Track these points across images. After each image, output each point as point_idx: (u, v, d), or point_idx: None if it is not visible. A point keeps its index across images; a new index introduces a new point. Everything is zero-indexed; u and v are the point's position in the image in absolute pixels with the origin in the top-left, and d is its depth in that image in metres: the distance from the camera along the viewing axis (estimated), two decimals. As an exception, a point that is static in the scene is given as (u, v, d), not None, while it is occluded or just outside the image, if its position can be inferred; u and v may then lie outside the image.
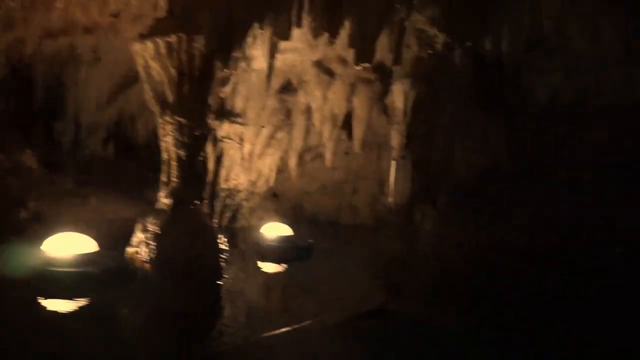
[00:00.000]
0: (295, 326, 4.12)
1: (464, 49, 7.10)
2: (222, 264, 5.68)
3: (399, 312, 5.17)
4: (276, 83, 8.06)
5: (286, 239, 7.25)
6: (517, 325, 4.90)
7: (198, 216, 5.75)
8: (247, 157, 7.73)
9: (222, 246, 6.05)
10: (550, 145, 9.52)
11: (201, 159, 5.97)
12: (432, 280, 6.83)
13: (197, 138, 5.72)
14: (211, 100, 5.95)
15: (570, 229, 8.85)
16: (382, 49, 6.70)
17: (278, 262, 7.07)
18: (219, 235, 6.19)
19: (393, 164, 7.72)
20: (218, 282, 5.41)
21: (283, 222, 7.92)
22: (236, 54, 5.92)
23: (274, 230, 7.33)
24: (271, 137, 8.60)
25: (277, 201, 11.04)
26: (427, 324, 4.81)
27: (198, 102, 5.70)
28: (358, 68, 7.12)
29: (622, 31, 7.24)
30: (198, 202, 5.82)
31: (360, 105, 8.32)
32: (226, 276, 5.71)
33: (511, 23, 7.15)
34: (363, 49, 6.36)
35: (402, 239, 7.61)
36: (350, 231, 10.76)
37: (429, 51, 6.92)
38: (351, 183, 11.29)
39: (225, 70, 5.86)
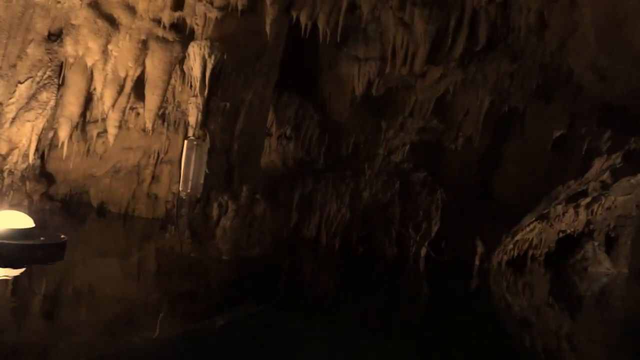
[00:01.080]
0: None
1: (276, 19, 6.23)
2: None
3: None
4: (42, 25, 6.07)
5: (20, 233, 5.19)
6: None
7: None
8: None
9: None
10: (363, 141, 9.38)
11: None
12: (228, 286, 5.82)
13: None
14: None
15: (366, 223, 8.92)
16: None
17: (7, 264, 5.06)
18: None
19: (186, 144, 6.40)
20: None
21: (21, 210, 5.81)
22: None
23: (6, 221, 5.22)
24: (33, 97, 6.52)
25: (46, 184, 8.74)
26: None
27: None
28: (149, 20, 5.62)
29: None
30: None
31: (154, 69, 6.82)
32: None
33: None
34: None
35: (194, 237, 6.38)
36: (148, 226, 9.11)
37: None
38: (151, 168, 9.63)
39: None
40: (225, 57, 6.40)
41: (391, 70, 7.44)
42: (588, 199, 11.12)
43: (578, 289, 10.44)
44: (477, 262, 10.07)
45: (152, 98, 7.03)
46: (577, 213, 11.61)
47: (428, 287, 8.68)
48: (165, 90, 7.39)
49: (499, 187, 9.75)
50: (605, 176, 9.59)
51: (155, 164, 9.68)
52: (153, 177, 9.72)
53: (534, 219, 10.24)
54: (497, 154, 9.66)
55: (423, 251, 10.05)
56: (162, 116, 9.21)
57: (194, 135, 6.55)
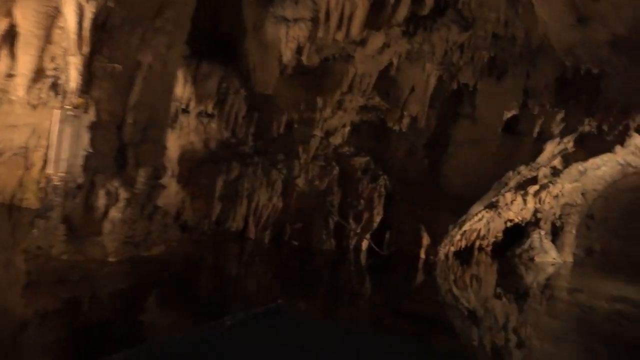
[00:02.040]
0: None
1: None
2: None
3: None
4: None
5: None
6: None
7: None
8: None
9: None
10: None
11: None
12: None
13: None
14: None
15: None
16: None
17: None
18: None
19: (57, 116, 4.95)
20: None
21: None
22: None
23: None
24: None
25: None
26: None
27: None
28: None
29: None
30: None
31: (24, 21, 5.27)
32: None
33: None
34: None
35: (71, 234, 4.96)
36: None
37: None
38: (43, 150, 7.97)
39: None
40: (110, 4, 4.98)
41: (324, 34, 6.30)
42: (537, 187, 10.56)
43: (524, 280, 9.93)
44: (422, 255, 9.23)
45: (25, 59, 5.51)
46: (525, 201, 11.06)
47: (370, 283, 7.68)
48: (42, 50, 5.81)
49: (447, 172, 8.91)
50: (557, 162, 8.96)
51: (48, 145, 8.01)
52: (45, 162, 8.06)
53: (482, 207, 9.51)
54: (446, 136, 8.80)
55: (365, 244, 9.06)
56: (53, 86, 7.60)
57: (71, 103, 5.09)
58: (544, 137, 8.10)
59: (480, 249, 12.24)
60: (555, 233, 12.69)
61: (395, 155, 9.01)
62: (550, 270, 11.35)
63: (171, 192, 8.23)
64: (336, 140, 8.75)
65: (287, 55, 6.36)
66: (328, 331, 2.73)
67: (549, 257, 12.07)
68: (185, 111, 7.93)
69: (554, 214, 12.51)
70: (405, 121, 8.19)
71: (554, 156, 8.51)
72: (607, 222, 16.54)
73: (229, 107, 8.03)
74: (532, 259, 11.91)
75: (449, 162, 8.89)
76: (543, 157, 8.27)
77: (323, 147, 8.73)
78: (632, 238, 17.04)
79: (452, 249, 10.50)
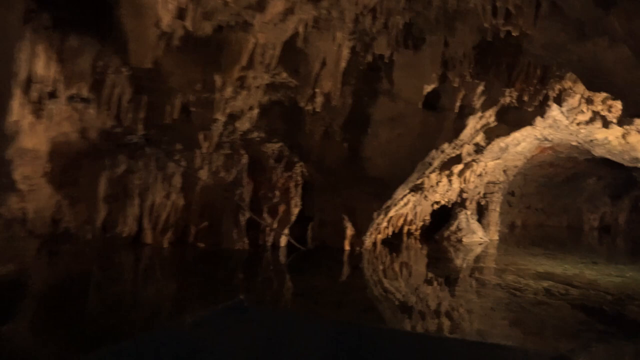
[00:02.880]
0: None
1: None
2: None
3: None
4: None
5: None
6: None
7: None
8: None
9: None
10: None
11: None
12: None
13: None
14: None
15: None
16: None
17: None
18: None
19: None
20: None
21: None
22: None
23: None
24: None
25: None
26: None
27: None
28: None
29: None
30: None
31: None
32: None
33: None
34: None
35: None
36: None
37: None
38: None
39: None
40: None
41: (212, -7, 5.22)
42: (461, 166, 10.19)
43: (454, 263, 9.56)
44: (347, 247, 8.47)
45: None
46: (450, 182, 10.69)
47: (291, 283, 6.77)
48: None
49: (368, 155, 8.18)
50: (480, 138, 8.54)
51: None
52: None
53: (407, 191, 8.93)
54: (364, 115, 8.06)
55: (283, 240, 8.14)
56: None
57: None
58: (466, 111, 7.58)
59: (409, 233, 11.82)
60: (481, 212, 12.56)
61: (311, 139, 8.13)
62: (478, 250, 11.15)
63: (42, 196, 6.77)
64: (243, 125, 7.68)
65: (166, 20, 5.17)
66: (297, 324, 2.63)
67: (476, 237, 11.88)
68: (53, 96, 6.47)
69: (479, 193, 12.35)
70: (319, 100, 7.33)
71: (476, 132, 8.05)
72: (525, 198, 17.01)
73: (109, 89, 6.67)
74: (460, 240, 11.66)
75: (369, 143, 8.17)
76: (466, 133, 7.77)
77: (228, 134, 7.63)
78: (547, 211, 17.77)
79: (380, 236, 9.89)
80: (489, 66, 6.79)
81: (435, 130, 7.71)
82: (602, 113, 8.92)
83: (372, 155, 8.23)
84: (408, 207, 9.98)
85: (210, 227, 7.58)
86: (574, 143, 11.66)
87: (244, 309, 2.58)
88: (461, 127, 7.65)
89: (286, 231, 8.08)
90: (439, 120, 7.66)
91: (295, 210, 8.10)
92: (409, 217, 10.62)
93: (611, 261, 9.93)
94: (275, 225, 7.96)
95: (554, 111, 7.84)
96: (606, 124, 9.18)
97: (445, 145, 7.81)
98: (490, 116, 7.84)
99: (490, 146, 8.71)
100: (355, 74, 7.63)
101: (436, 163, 8.09)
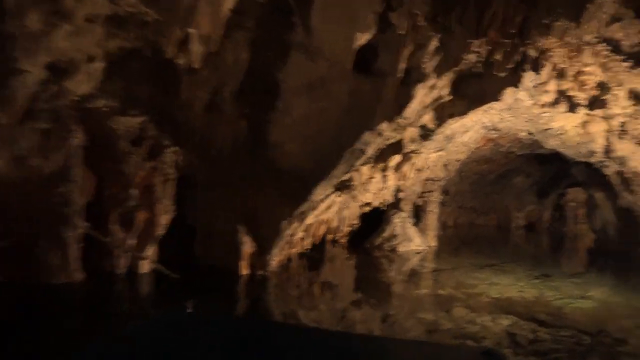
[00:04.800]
0: None
1: None
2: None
3: None
4: None
5: None
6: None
7: None
8: None
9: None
10: None
11: None
12: None
13: None
14: None
15: None
16: None
17: None
18: None
19: None
20: None
21: None
22: None
23: None
24: None
25: None
26: None
27: None
28: None
29: None
30: None
31: None
32: None
33: None
34: None
35: None
36: None
37: None
38: None
39: None
40: None
41: None
42: (399, 157, 7.99)
43: (386, 279, 7.43)
44: (243, 271, 5.87)
45: None
46: (385, 178, 8.46)
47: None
48: None
49: (278, 138, 5.66)
50: (428, 118, 6.31)
51: None
52: None
53: (332, 189, 6.54)
54: (271, 80, 5.53)
55: (144, 265, 5.36)
56: None
57: None
58: (413, 76, 5.29)
59: (335, 241, 9.52)
60: (418, 214, 10.56)
61: (190, 113, 5.44)
62: (415, 260, 9.11)
63: None
64: (78, 85, 4.82)
65: None
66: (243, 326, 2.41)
67: (412, 244, 9.84)
68: None
69: (416, 192, 10.33)
70: (196, 49, 4.66)
71: (425, 108, 5.80)
72: (459, 196, 15.82)
73: None
74: (394, 250, 9.55)
75: (278, 122, 5.63)
76: (412, 109, 5.49)
77: (49, 97, 4.71)
78: (477, 210, 16.78)
79: (295, 250, 7.43)
80: (452, 5, 4.53)
81: (370, 104, 5.35)
82: (570, 93, 7.15)
83: (282, 139, 5.70)
84: (332, 211, 7.60)
85: (16, 248, 4.61)
86: (522, 134, 10.01)
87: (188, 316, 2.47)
88: (406, 99, 5.36)
89: (149, 251, 5.30)
90: (376, 89, 5.31)
91: (164, 219, 5.36)
92: (334, 224, 8.26)
93: (562, 271, 8.49)
94: (130, 243, 5.15)
95: (525, 83, 5.80)
96: (573, 107, 7.43)
97: (384, 126, 5.48)
98: (444, 86, 5.62)
99: (440, 130, 6.53)
100: (253, 14, 5.05)
101: (370, 151, 5.74)
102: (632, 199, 9.58)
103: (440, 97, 5.72)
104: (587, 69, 6.53)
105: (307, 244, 7.59)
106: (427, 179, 10.33)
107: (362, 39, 5.04)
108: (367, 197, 8.53)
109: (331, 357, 2.12)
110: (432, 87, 5.52)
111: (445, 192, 14.09)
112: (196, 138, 5.67)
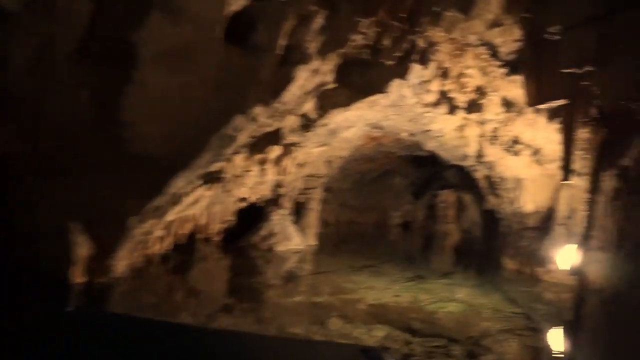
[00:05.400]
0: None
1: None
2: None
3: None
4: None
5: None
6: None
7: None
8: None
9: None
10: None
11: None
12: None
13: None
14: None
15: None
16: None
17: None
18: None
19: None
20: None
21: None
22: None
23: None
24: None
25: None
26: None
27: None
28: None
29: None
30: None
31: None
32: None
33: None
34: None
35: None
36: None
37: None
38: None
39: None
40: None
41: None
42: (278, 150, 7.34)
43: (261, 280, 6.75)
44: (77, 278, 4.71)
45: None
46: (263, 171, 7.75)
47: None
48: None
49: (131, 117, 4.60)
50: (310, 106, 5.72)
51: None
52: None
53: (199, 181, 5.63)
54: (123, 44, 4.45)
55: None
56: None
57: None
58: (295, 56, 4.64)
59: (207, 240, 8.57)
60: (298, 212, 10.05)
61: (9, 75, 4.14)
62: (293, 260, 8.57)
63: None
64: None
65: None
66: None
67: (291, 243, 9.30)
68: None
69: (297, 188, 9.82)
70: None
71: (306, 95, 5.20)
72: (341, 194, 15.86)
73: None
74: (271, 249, 8.90)
75: (132, 96, 4.58)
76: (292, 93, 4.83)
77: None
78: (358, 209, 17.06)
79: (156, 250, 6.36)
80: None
81: (243, 83, 4.57)
82: (451, 94, 7.14)
83: (135, 118, 4.66)
84: (200, 207, 6.67)
85: None
86: (403, 134, 10.03)
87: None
88: (285, 81, 4.69)
89: None
90: (251, 66, 4.55)
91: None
92: (203, 221, 7.32)
93: (434, 271, 8.53)
94: None
95: (412, 76, 5.49)
96: (452, 109, 7.45)
97: (259, 110, 4.74)
98: (328, 72, 5.07)
99: (323, 121, 5.99)
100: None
101: (243, 138, 4.96)
102: (496, 201, 10.14)
103: (323, 84, 5.16)
104: (468, 71, 6.51)
105: (168, 244, 6.56)
106: (309, 175, 9.86)
107: (236, 4, 4.25)
108: (243, 192, 7.74)
109: (208, 355, 2.08)
110: (316, 72, 4.93)
111: (327, 189, 13.94)
112: (19, 110, 4.36)
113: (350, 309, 5.22)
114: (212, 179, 6.04)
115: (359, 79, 5.19)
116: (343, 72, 5.19)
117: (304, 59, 4.65)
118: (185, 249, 7.50)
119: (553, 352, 4.96)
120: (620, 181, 5.81)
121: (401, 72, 5.04)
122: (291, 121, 5.68)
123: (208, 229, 7.78)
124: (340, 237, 14.38)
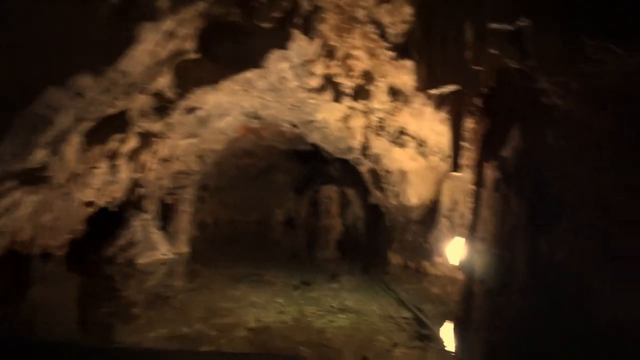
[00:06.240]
0: None
1: None
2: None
3: None
4: None
5: None
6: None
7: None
8: None
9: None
10: None
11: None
12: None
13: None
14: None
15: None
16: None
17: None
18: None
19: None
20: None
21: None
22: None
23: None
24: None
25: None
26: None
27: None
28: None
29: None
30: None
31: None
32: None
33: None
34: None
35: None
36: None
37: None
38: None
39: None
40: None
41: None
42: (133, 142, 5.91)
43: (114, 310, 5.22)
44: None
45: None
46: (115, 168, 6.24)
47: None
48: None
49: None
50: (165, 82, 4.46)
51: None
52: None
53: (14, 182, 4.06)
54: None
55: None
56: None
57: None
58: (137, 10, 3.40)
59: (47, 255, 6.77)
60: (166, 216, 8.60)
61: None
62: (160, 275, 7.17)
63: None
64: None
65: None
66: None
67: (157, 253, 7.87)
68: None
69: (163, 188, 8.38)
70: None
71: (159, 66, 3.96)
72: (219, 192, 14.73)
73: None
74: (132, 262, 7.39)
75: None
76: (136, 61, 3.58)
77: None
78: (239, 207, 16.07)
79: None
80: None
81: (60, 39, 3.21)
82: (337, 79, 6.43)
83: None
84: (20, 215, 4.98)
85: None
86: (285, 126, 9.15)
87: None
88: (125, 42, 3.43)
89: None
90: (80, 16, 3.21)
91: None
92: (27, 233, 5.60)
93: (319, 272, 7.69)
94: None
95: (292, 46, 4.55)
96: (338, 96, 6.76)
97: (87, 81, 3.41)
98: (188, 38, 3.90)
99: (185, 104, 4.78)
100: None
101: (65, 121, 3.58)
102: (380, 196, 9.82)
103: (182, 52, 3.98)
104: (356, 52, 5.84)
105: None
106: (178, 172, 8.48)
107: None
108: (88, 195, 6.15)
109: None
110: (171, 35, 3.74)
111: (203, 187, 12.62)
112: None
113: (227, 339, 4.15)
114: (33, 178, 4.46)
115: (229, 50, 4.12)
116: (208, 40, 4.06)
117: (151, 15, 3.44)
118: (18, 270, 5.72)
119: (447, 350, 4.46)
120: (499, 172, 5.61)
121: (281, 40, 4.08)
122: (141, 101, 4.39)
123: (37, 243, 6.04)
124: (220, 238, 13.25)
